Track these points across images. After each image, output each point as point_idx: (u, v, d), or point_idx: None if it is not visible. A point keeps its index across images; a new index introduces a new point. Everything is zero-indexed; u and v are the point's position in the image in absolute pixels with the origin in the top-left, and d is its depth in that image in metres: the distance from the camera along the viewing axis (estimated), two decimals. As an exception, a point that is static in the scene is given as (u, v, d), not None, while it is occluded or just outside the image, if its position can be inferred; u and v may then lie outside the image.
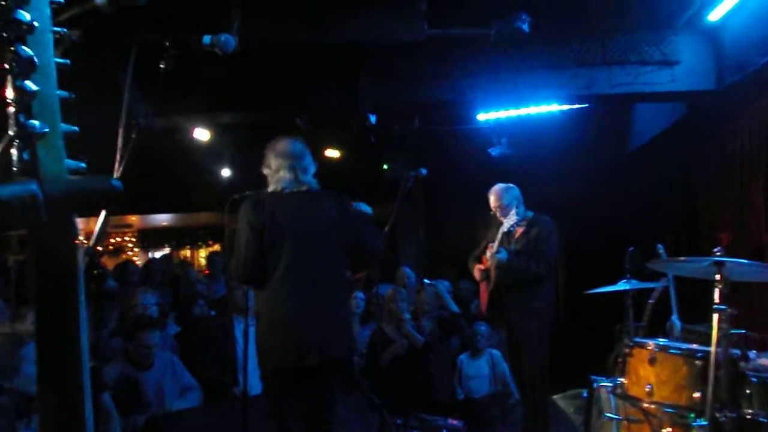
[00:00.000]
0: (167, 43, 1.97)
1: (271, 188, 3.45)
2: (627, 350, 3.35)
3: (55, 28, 1.09)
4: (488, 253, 4.76)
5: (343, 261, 3.51)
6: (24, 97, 1.05)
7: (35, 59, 1.06)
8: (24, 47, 1.04)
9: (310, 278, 3.31)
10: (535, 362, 4.69)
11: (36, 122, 1.05)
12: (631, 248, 4.15)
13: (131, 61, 1.86)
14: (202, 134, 6.95)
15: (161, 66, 1.99)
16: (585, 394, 4.08)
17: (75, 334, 1.17)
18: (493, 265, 4.74)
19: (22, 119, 1.04)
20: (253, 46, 4.39)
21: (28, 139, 1.05)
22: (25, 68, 1.04)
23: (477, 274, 5.01)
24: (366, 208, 3.71)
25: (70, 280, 1.13)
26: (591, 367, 4.47)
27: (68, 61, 1.10)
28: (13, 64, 1.03)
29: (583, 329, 7.03)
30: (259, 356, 3.35)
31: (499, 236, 4.73)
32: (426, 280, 6.79)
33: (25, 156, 1.05)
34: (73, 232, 1.11)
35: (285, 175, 3.40)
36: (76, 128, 1.10)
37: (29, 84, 1.05)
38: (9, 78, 1.02)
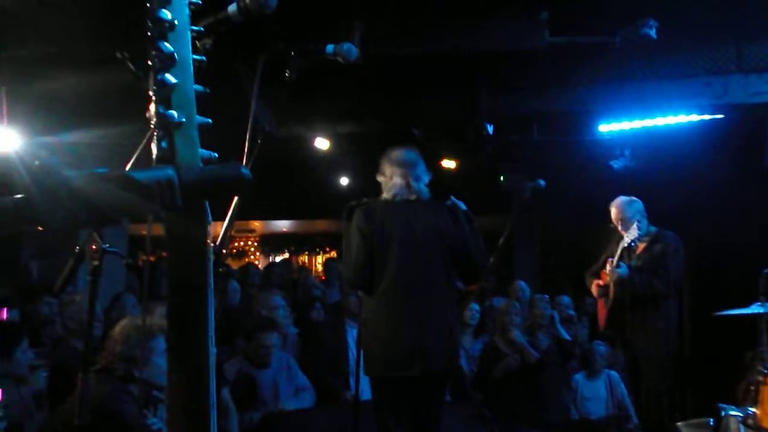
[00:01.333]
0: (292, 53, 2.05)
1: (384, 196, 3.50)
2: (761, 378, 3.13)
3: (194, 27, 1.18)
4: (608, 268, 4.60)
5: (452, 272, 3.49)
6: (164, 90, 1.13)
7: (175, 55, 1.15)
8: (165, 43, 1.13)
9: (415, 287, 3.32)
10: (656, 385, 4.47)
11: (174, 113, 1.14)
12: (767, 270, 3.88)
13: (258, 70, 1.95)
14: (322, 143, 7.16)
15: (286, 75, 2.07)
16: (712, 423, 3.84)
17: (203, 328, 1.23)
18: (613, 280, 4.57)
19: (161, 110, 1.12)
20: (374, 56, 4.48)
21: (166, 128, 1.14)
22: (166, 63, 1.13)
23: (594, 290, 4.85)
24: (462, 206, 3.65)
25: (201, 274, 1.20)
26: (718, 395, 4.20)
27: (204, 58, 1.18)
28: (156, 59, 1.12)
29: (711, 354, 6.61)
30: (365, 364, 3.39)
31: (620, 250, 4.55)
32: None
33: (164, 144, 1.14)
34: (206, 223, 1.18)
35: (397, 182, 3.45)
36: (209, 120, 1.17)
37: (169, 77, 1.13)
38: (152, 72, 1.11)
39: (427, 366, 3.26)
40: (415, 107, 6.16)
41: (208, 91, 1.16)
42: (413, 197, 3.44)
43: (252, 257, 14.59)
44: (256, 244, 15.06)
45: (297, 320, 5.92)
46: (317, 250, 15.20)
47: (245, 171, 1.10)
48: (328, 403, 4.82)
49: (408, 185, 3.44)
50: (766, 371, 3.14)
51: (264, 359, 4.57)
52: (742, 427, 3.43)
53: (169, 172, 1.05)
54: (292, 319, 5.91)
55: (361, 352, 3.48)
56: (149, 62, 1.10)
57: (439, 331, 3.35)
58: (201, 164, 1.15)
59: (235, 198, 1.88)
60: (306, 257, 15.35)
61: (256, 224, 14.36)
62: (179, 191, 1.04)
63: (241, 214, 1.99)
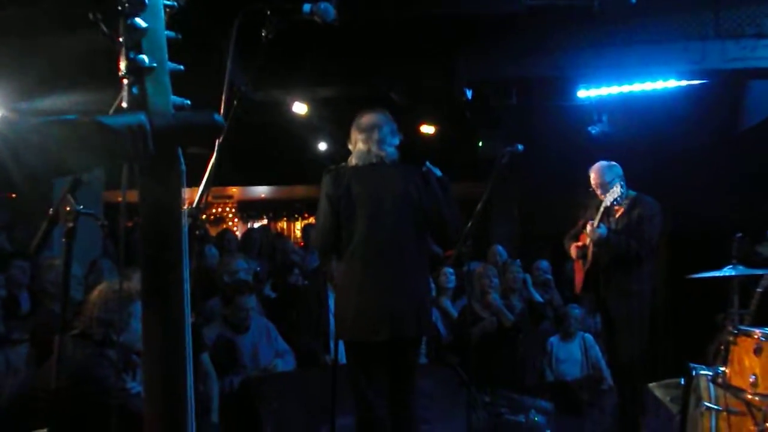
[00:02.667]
0: (269, 12, 2.01)
1: (351, 161, 3.49)
2: (731, 338, 3.20)
3: None
4: (588, 229, 4.65)
5: (424, 236, 3.48)
6: (134, 34, 1.12)
7: None
8: None
9: (383, 252, 3.32)
10: (631, 347, 4.55)
11: (145, 57, 1.12)
12: (739, 234, 3.94)
13: (234, 30, 1.92)
14: (300, 108, 7.10)
15: (263, 35, 2.03)
16: (683, 382, 3.93)
17: (179, 292, 1.22)
18: (593, 240, 4.62)
19: (132, 55, 1.10)
20: (351, 18, 4.41)
21: (137, 73, 1.12)
22: (136, 7, 1.11)
23: (573, 252, 4.90)
24: (437, 172, 3.63)
25: (175, 235, 1.19)
26: (690, 355, 4.30)
27: (175, 3, 1.16)
28: (125, 3, 1.10)
29: (684, 316, 6.76)
30: (336, 327, 3.41)
31: (600, 212, 4.61)
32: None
33: (135, 90, 1.12)
34: (179, 182, 1.16)
35: (360, 147, 3.45)
36: (181, 66, 1.16)
37: (139, 21, 1.12)
38: (122, 17, 1.09)
39: (397, 332, 3.26)
40: (394, 72, 6.12)
41: (180, 36, 1.14)
42: (375, 160, 3.42)
43: (230, 223, 14.51)
44: (233, 210, 14.97)
45: (274, 285, 5.93)
46: (296, 216, 15.15)
47: (218, 117, 1.09)
48: (308, 367, 4.86)
49: (369, 150, 3.43)
50: (735, 332, 3.21)
51: (243, 323, 4.58)
52: (711, 386, 3.51)
53: (141, 117, 1.04)
54: (270, 283, 5.93)
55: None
56: (119, 7, 1.08)
57: (409, 296, 3.34)
58: (173, 111, 1.14)
59: (212, 160, 1.87)
60: (284, 223, 15.30)
61: (234, 190, 14.26)
62: (151, 137, 1.03)
63: (218, 180, 1.98)
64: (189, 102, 1.14)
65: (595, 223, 4.60)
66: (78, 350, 3.04)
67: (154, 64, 1.13)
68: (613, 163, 4.79)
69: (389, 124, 3.51)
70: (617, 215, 4.67)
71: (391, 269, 3.33)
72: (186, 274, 1.23)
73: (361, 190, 3.36)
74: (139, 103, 1.11)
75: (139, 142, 1.01)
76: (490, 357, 5.52)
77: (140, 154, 1.02)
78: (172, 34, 1.16)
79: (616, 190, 4.51)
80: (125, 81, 1.10)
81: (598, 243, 4.59)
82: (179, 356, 1.23)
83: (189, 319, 1.25)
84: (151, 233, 1.20)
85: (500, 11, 4.82)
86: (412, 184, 3.43)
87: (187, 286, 1.24)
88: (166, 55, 1.15)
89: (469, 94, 6.09)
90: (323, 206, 3.40)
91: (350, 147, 3.54)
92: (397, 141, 3.51)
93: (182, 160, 1.17)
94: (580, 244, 4.85)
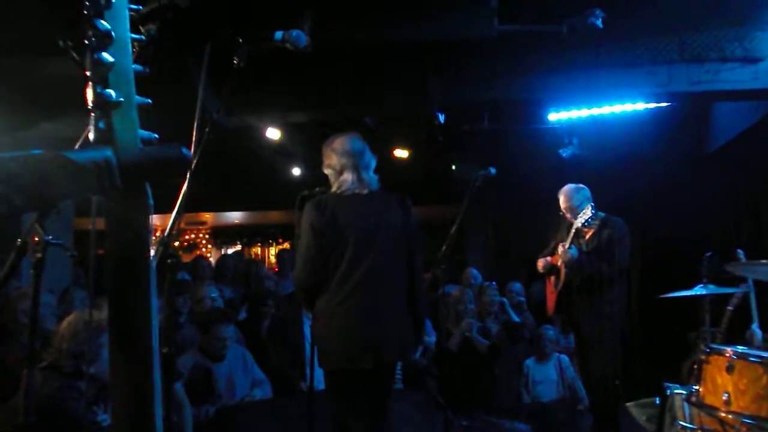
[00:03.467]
0: (240, 39, 2.01)
1: (334, 188, 3.43)
2: (703, 357, 3.22)
3: (132, 5, 1.15)
4: (560, 250, 4.69)
5: (405, 263, 3.44)
6: (101, 69, 1.11)
7: (112, 33, 1.12)
8: (102, 21, 1.10)
9: (369, 281, 3.29)
10: (605, 367, 4.58)
11: (112, 92, 1.11)
12: (709, 253, 4.00)
13: (206, 57, 1.92)
14: (273, 133, 7.09)
15: (234, 62, 2.03)
16: (658, 401, 3.96)
17: (146, 324, 1.21)
18: (564, 262, 4.66)
19: (99, 89, 1.09)
20: (324, 45, 4.44)
21: (104, 108, 1.11)
22: (103, 41, 1.10)
23: (540, 265, 4.92)
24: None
25: (142, 269, 1.18)
26: (665, 374, 4.33)
27: (144, 38, 1.16)
28: (92, 38, 1.09)
29: (658, 335, 6.81)
30: (319, 356, 3.38)
31: (571, 234, 4.66)
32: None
33: (101, 125, 1.11)
34: (147, 210, 1.15)
35: (348, 176, 3.38)
36: (149, 100, 1.15)
37: (106, 56, 1.11)
38: (88, 51, 1.08)
39: (379, 357, 3.26)
40: (367, 97, 6.15)
41: (147, 71, 1.14)
42: (359, 189, 3.38)
43: (204, 249, 14.39)
44: (207, 236, 14.86)
45: (249, 312, 5.87)
46: (270, 241, 15.07)
47: (185, 151, 1.08)
48: (285, 395, 4.80)
49: (359, 178, 3.38)
50: (708, 350, 3.24)
51: (219, 352, 4.51)
52: (686, 405, 3.54)
53: (107, 152, 1.03)
54: (244, 310, 5.87)
55: (314, 345, 3.47)
56: (86, 41, 1.07)
57: (392, 323, 3.33)
58: (141, 145, 1.13)
59: (184, 187, 1.86)
60: (259, 249, 15.21)
61: (207, 216, 14.16)
62: (118, 172, 1.02)
63: (191, 206, 1.97)
64: (157, 136, 1.14)
65: (567, 244, 4.65)
66: (47, 383, 2.98)
67: (121, 99, 1.13)
68: (581, 185, 4.85)
69: (367, 146, 3.48)
70: (587, 237, 4.72)
71: (375, 297, 3.30)
72: (154, 306, 1.22)
73: (348, 219, 3.32)
74: (105, 137, 1.11)
75: (105, 178, 1.00)
76: (466, 381, 5.51)
77: (107, 190, 1.01)
78: (140, 68, 1.15)
79: (587, 212, 4.57)
80: (92, 115, 1.09)
81: (570, 264, 4.64)
82: (147, 388, 1.21)
83: (157, 350, 1.23)
84: (118, 267, 1.18)
85: (472, 36, 4.88)
86: (394, 212, 3.42)
87: (155, 318, 1.22)
88: (134, 90, 1.14)
89: (441, 117, 6.14)
90: (307, 236, 3.32)
91: (328, 172, 3.49)
92: (374, 163, 3.49)
93: (149, 194, 1.16)
94: (549, 259, 4.89)
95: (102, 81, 1.10)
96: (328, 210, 3.32)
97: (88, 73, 1.09)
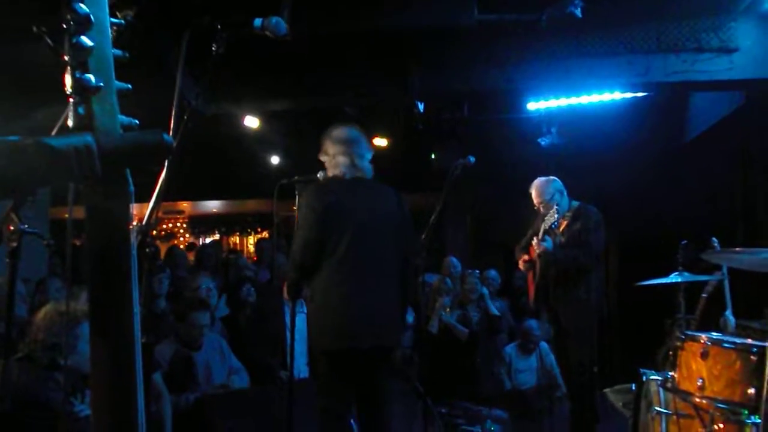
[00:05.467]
0: (218, 26, 1.99)
1: (330, 173, 3.50)
2: (678, 343, 3.27)
3: None
4: (534, 243, 4.72)
5: (401, 251, 3.51)
6: (80, 53, 1.08)
7: (91, 16, 1.09)
8: (81, 4, 1.08)
9: (367, 264, 3.36)
10: (582, 355, 4.63)
11: (91, 77, 1.09)
12: (685, 241, 4.05)
13: (183, 44, 1.89)
14: (251, 122, 7.05)
15: (212, 49, 2.01)
16: (634, 387, 4.01)
17: (128, 313, 1.19)
18: (539, 254, 4.70)
19: (78, 74, 1.08)
20: (303, 32, 4.41)
21: (83, 93, 1.09)
22: (82, 25, 1.08)
23: (522, 265, 4.98)
24: None
25: (123, 252, 1.16)
26: (642, 360, 4.39)
27: (123, 22, 1.14)
28: (71, 21, 1.07)
29: (635, 323, 6.90)
30: (312, 338, 3.40)
31: (543, 228, 4.69)
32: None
33: (81, 110, 1.09)
34: (127, 198, 1.14)
35: (341, 160, 3.46)
36: (128, 85, 1.13)
37: (85, 40, 1.09)
38: (67, 36, 1.06)
39: (377, 341, 3.32)
40: (346, 86, 6.12)
41: (127, 55, 1.12)
42: (359, 174, 3.46)
43: (181, 239, 14.29)
44: (185, 225, 14.75)
45: (228, 301, 5.85)
46: (248, 230, 15.01)
47: (167, 137, 1.07)
48: (264, 384, 4.79)
49: (353, 163, 3.45)
50: (683, 337, 3.28)
51: (197, 340, 4.50)
52: (661, 390, 3.59)
53: (87, 138, 1.01)
54: (224, 300, 5.85)
55: (297, 332, 3.49)
56: (64, 25, 1.05)
57: (389, 307, 3.41)
58: (121, 131, 1.11)
59: (162, 175, 1.84)
60: (237, 238, 15.14)
61: (185, 205, 14.06)
62: (98, 158, 1.00)
63: (169, 195, 1.95)
64: (137, 121, 1.12)
65: (540, 236, 4.68)
66: (23, 375, 2.94)
67: (101, 84, 1.11)
68: (552, 178, 4.88)
69: (364, 138, 3.57)
70: (562, 228, 4.75)
71: (373, 281, 3.37)
72: (135, 294, 1.20)
73: (350, 204, 3.39)
74: (85, 123, 1.09)
75: (85, 164, 0.98)
76: (446, 369, 5.55)
77: (87, 176, 0.99)
78: (119, 52, 1.13)
79: (553, 213, 4.60)
80: (71, 100, 1.07)
81: (544, 257, 4.68)
82: (129, 378, 1.20)
83: (139, 340, 1.22)
84: (99, 255, 1.17)
85: (451, 25, 4.87)
86: (390, 200, 3.52)
87: (136, 306, 1.21)
88: (113, 74, 1.12)
89: (421, 106, 6.14)
90: (308, 218, 3.37)
91: (324, 159, 3.55)
92: (370, 156, 3.57)
93: (131, 180, 1.15)
94: (527, 258, 4.93)
95: (81, 66, 1.08)
96: (329, 193, 3.40)
97: (66, 58, 1.07)
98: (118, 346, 1.19)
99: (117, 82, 1.14)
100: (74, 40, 1.07)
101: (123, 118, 1.13)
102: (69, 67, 1.07)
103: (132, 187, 1.15)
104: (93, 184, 1.07)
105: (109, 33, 1.13)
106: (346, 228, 3.34)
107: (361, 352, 3.30)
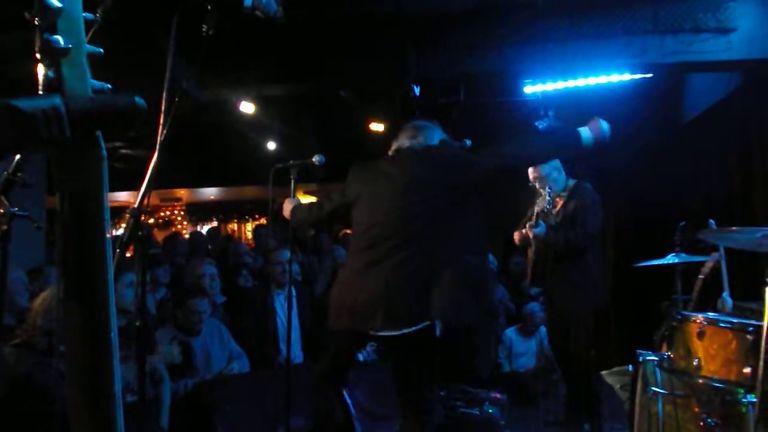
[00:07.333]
0: (209, 6, 1.97)
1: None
2: (675, 323, 3.27)
3: None
4: (527, 226, 4.71)
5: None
6: (48, 14, 1.07)
7: None
8: None
9: (402, 248, 3.20)
10: (577, 337, 4.62)
11: (59, 38, 1.07)
12: (683, 222, 4.04)
13: (173, 24, 1.87)
14: (247, 107, 7.01)
15: (204, 30, 1.99)
16: (631, 369, 4.02)
17: (102, 292, 1.17)
18: (532, 237, 4.68)
19: (46, 36, 1.06)
20: (299, 16, 4.38)
21: (52, 55, 1.07)
22: (50, -14, 1.06)
23: (516, 238, 4.93)
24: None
25: (97, 224, 1.14)
26: (640, 342, 4.39)
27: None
28: None
29: (633, 304, 6.91)
30: (331, 317, 3.28)
31: (535, 212, 4.68)
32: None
33: (50, 74, 1.07)
34: (100, 161, 1.12)
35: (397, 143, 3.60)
36: (100, 49, 1.12)
37: (53, 1, 1.07)
38: None
39: (393, 323, 3.12)
40: (342, 70, 6.09)
41: (96, 17, 1.10)
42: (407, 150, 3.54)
43: (179, 226, 14.26)
44: (182, 213, 14.73)
45: (225, 288, 5.86)
46: (246, 217, 14.98)
47: (138, 100, 1.05)
48: (261, 369, 4.81)
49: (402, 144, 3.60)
50: (679, 317, 3.29)
51: (195, 326, 4.51)
52: (658, 371, 3.59)
53: (56, 100, 0.99)
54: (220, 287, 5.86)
55: (294, 317, 3.48)
56: None
57: (407, 291, 3.17)
58: (92, 94, 1.09)
59: (153, 158, 1.82)
60: (235, 225, 15.12)
61: (182, 192, 14.03)
62: (67, 120, 0.99)
63: (166, 182, 1.93)
64: (110, 86, 1.10)
65: (534, 219, 4.67)
66: (21, 360, 2.95)
67: (70, 46, 1.08)
68: None
69: (427, 127, 3.75)
70: (557, 207, 4.73)
71: (393, 263, 3.19)
72: (110, 272, 1.18)
73: (384, 186, 3.38)
74: (54, 86, 1.07)
75: (53, 126, 0.97)
76: (444, 352, 5.55)
77: (55, 139, 0.98)
78: (90, 15, 1.11)
79: (545, 197, 4.58)
80: (40, 63, 1.06)
81: (538, 239, 4.66)
82: (104, 361, 1.19)
83: (115, 322, 1.20)
84: (71, 224, 1.14)
85: (449, 8, 4.84)
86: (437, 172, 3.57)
87: (111, 286, 1.18)
88: (84, 36, 1.10)
89: (417, 90, 6.11)
90: (339, 192, 3.47)
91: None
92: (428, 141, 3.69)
93: (102, 145, 1.13)
94: (523, 232, 4.88)
95: (50, 27, 1.06)
96: (368, 173, 3.45)
97: (36, 21, 1.05)
98: (93, 329, 1.17)
99: (88, 46, 1.11)
100: (42, 1, 1.05)
101: (95, 82, 1.11)
102: (37, 29, 1.05)
103: (104, 151, 1.13)
104: (62, 147, 1.05)
105: None
106: (371, 209, 3.35)
107: (376, 337, 3.23)
